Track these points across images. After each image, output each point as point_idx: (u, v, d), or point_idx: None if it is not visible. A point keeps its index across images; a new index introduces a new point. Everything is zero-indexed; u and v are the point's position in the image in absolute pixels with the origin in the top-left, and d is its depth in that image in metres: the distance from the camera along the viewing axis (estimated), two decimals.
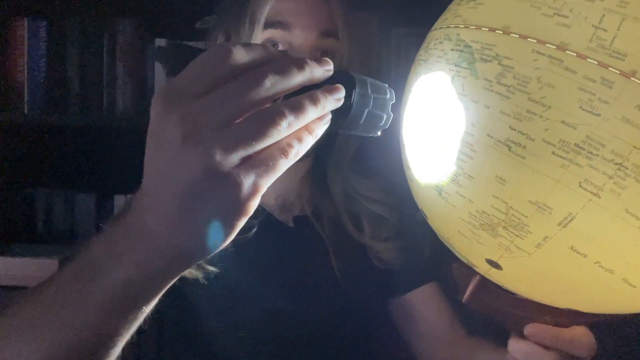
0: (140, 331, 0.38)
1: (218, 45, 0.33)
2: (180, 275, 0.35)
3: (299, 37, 0.66)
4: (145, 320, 0.37)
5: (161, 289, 0.35)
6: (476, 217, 0.38)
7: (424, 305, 0.76)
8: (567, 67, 0.32)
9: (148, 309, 0.36)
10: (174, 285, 0.73)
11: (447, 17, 0.42)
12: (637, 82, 0.30)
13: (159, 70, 1.15)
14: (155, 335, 0.95)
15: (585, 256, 0.34)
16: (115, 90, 1.16)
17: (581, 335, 0.45)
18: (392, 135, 0.47)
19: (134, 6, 1.20)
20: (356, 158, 0.77)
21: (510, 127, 0.34)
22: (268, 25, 0.66)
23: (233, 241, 0.33)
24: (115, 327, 0.35)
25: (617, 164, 0.31)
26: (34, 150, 1.28)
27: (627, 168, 0.31)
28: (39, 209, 1.24)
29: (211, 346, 0.69)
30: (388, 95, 0.36)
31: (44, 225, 1.24)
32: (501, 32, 0.35)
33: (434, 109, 0.40)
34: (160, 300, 0.36)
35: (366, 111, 0.35)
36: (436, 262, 0.76)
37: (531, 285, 0.40)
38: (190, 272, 0.66)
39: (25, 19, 1.14)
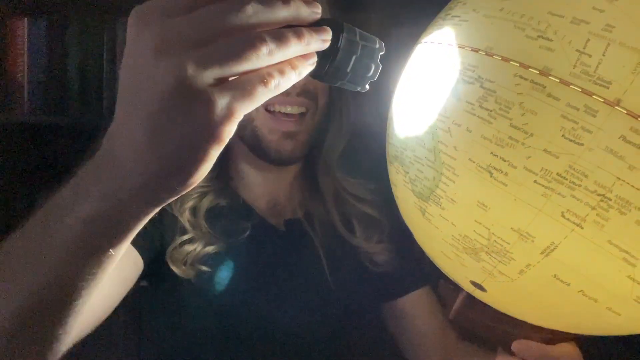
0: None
1: None
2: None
3: None
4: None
5: (129, 229, 0.33)
6: (459, 240, 0.37)
7: (416, 309, 0.75)
8: (550, 93, 0.31)
9: (116, 253, 0.34)
10: (166, 288, 0.73)
11: (432, 31, 0.40)
12: (622, 111, 0.29)
13: None
14: (147, 332, 0.95)
15: (569, 284, 0.33)
16: (115, 90, 1.15)
17: (568, 352, 0.45)
18: (382, 137, 0.46)
19: (133, 6, 1.19)
20: (346, 159, 0.76)
21: (491, 152, 0.33)
22: None
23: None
24: (79, 270, 0.33)
25: (600, 194, 0.30)
26: (34, 150, 1.28)
27: (610, 200, 0.30)
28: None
29: (202, 349, 0.70)
30: (377, 45, 0.34)
31: None
32: (484, 54, 0.34)
33: (417, 128, 0.38)
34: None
35: (354, 58, 0.33)
36: (429, 266, 0.75)
37: (516, 308, 0.40)
38: (183, 271, 0.66)
39: (25, 18, 1.14)
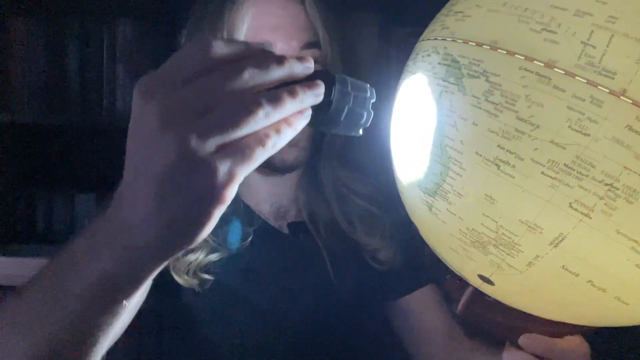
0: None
1: (198, 39, 0.32)
2: (163, 267, 0.35)
3: (281, 51, 0.65)
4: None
5: (141, 283, 0.35)
6: (466, 234, 0.37)
7: (421, 308, 0.75)
8: (556, 85, 0.31)
9: (129, 303, 0.35)
10: (171, 292, 0.73)
11: (435, 28, 0.41)
12: (627, 101, 0.30)
13: None
14: (155, 342, 0.95)
15: (577, 275, 0.34)
16: (115, 90, 1.16)
17: (576, 345, 0.45)
18: (383, 134, 0.46)
19: (134, 6, 1.20)
20: (347, 156, 0.76)
21: (498, 145, 0.33)
22: None
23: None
24: (95, 321, 0.35)
25: (607, 184, 0.30)
26: (34, 150, 1.28)
27: (617, 189, 0.30)
28: (39, 209, 1.24)
29: (208, 354, 0.69)
30: (368, 94, 0.36)
31: (44, 225, 1.24)
32: (488, 48, 0.34)
33: (423, 124, 0.39)
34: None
35: (346, 108, 0.35)
36: (432, 265, 0.75)
37: (524, 301, 0.40)
38: (186, 281, 0.66)
39: (25, 18, 1.14)
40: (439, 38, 0.39)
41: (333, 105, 0.35)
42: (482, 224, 0.36)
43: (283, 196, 0.75)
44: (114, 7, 1.19)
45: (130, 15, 1.16)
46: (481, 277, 0.40)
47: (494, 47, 0.34)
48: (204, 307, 0.69)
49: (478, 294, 0.45)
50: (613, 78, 0.30)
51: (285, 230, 0.74)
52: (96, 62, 1.16)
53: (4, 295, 1.08)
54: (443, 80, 0.37)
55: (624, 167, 0.30)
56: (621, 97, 0.30)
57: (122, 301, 0.35)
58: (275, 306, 0.69)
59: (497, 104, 0.33)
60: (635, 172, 0.30)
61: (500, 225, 0.35)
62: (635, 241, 0.31)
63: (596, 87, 0.30)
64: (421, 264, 0.77)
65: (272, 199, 0.75)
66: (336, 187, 0.75)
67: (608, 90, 0.30)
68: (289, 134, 0.32)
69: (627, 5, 0.30)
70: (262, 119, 0.30)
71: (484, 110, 0.34)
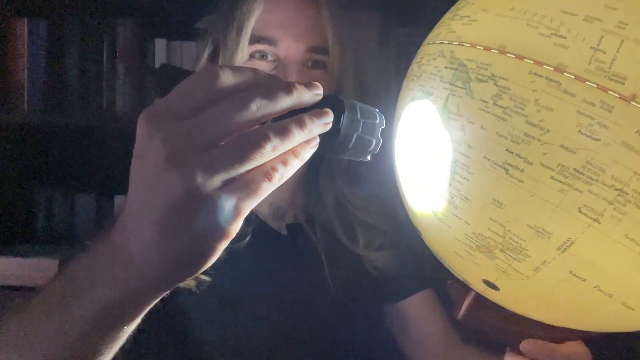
0: (135, 337, 0.38)
1: (205, 68, 0.32)
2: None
3: (285, 50, 0.65)
4: (138, 328, 0.37)
5: (142, 310, 0.35)
6: (472, 238, 0.37)
7: (418, 313, 0.75)
8: (566, 89, 0.31)
9: (130, 329, 0.36)
10: (166, 300, 0.72)
11: (440, 31, 0.41)
12: (638, 106, 0.30)
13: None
14: (150, 342, 0.93)
15: (585, 280, 0.34)
16: (115, 90, 1.16)
17: (577, 350, 0.45)
18: (385, 144, 0.46)
19: (134, 6, 1.20)
20: (348, 167, 0.76)
21: (507, 149, 0.33)
22: (254, 40, 0.65)
23: (226, 249, 0.33)
24: (96, 346, 0.35)
25: (617, 189, 0.30)
26: (34, 150, 1.28)
27: (627, 194, 0.30)
28: (39, 209, 1.24)
29: (204, 354, 0.68)
30: (377, 120, 0.36)
31: (44, 225, 1.24)
32: (497, 52, 0.34)
33: (429, 127, 0.39)
34: (154, 306, 0.36)
35: (355, 135, 0.35)
36: (431, 269, 0.75)
37: (529, 306, 0.40)
38: (184, 282, 0.65)
39: (25, 19, 1.14)
40: (445, 42, 0.39)
41: (341, 133, 0.34)
42: (489, 228, 0.35)
43: (282, 197, 0.75)
44: (114, 7, 1.18)
45: (130, 15, 1.15)
46: (486, 282, 0.39)
47: (502, 51, 0.34)
48: (201, 307, 0.68)
49: (479, 299, 0.45)
50: (623, 83, 0.30)
51: (284, 232, 0.74)
52: (96, 62, 1.15)
53: (4, 296, 1.06)
54: (450, 83, 0.37)
55: (634, 172, 0.30)
56: (631, 102, 0.30)
57: (122, 328, 0.35)
58: (271, 307, 0.68)
59: (506, 108, 0.33)
60: None
61: (508, 230, 0.35)
62: None
63: (606, 92, 0.30)
64: (420, 268, 0.77)
65: (271, 200, 0.74)
66: (338, 201, 0.75)
67: (618, 95, 0.30)
68: (296, 165, 0.32)
69: (637, 12, 0.31)
70: (269, 152, 0.30)
71: (492, 114, 0.34)
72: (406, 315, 0.75)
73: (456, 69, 0.37)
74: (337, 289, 0.71)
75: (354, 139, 0.35)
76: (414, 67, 0.43)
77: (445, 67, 0.38)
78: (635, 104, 0.30)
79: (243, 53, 0.65)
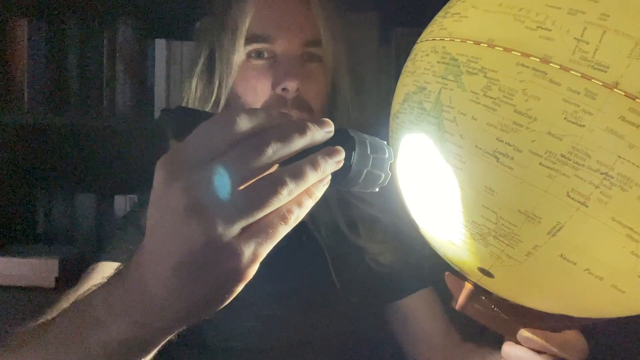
0: None
1: (222, 114, 0.33)
2: None
3: (282, 47, 0.66)
4: None
5: (158, 345, 0.36)
6: (467, 226, 0.38)
7: (419, 310, 0.76)
8: (551, 79, 0.33)
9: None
10: None
11: (433, 29, 0.42)
12: (620, 93, 0.31)
13: (159, 70, 1.16)
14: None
15: (575, 264, 0.35)
16: (115, 90, 1.17)
17: (573, 339, 0.46)
18: (384, 138, 0.47)
19: (134, 6, 1.21)
20: None
21: (497, 138, 0.34)
22: (250, 39, 0.66)
23: None
24: None
25: (602, 173, 0.32)
26: (34, 150, 1.28)
27: (612, 177, 0.31)
28: (39, 209, 1.24)
29: (208, 356, 0.69)
30: (387, 155, 0.37)
31: (44, 225, 1.25)
32: (486, 45, 0.36)
33: (422, 121, 0.40)
34: None
35: (365, 171, 0.36)
36: (432, 267, 0.76)
37: (523, 293, 0.41)
38: None
39: (25, 19, 1.15)
40: (437, 38, 0.41)
41: (352, 170, 0.35)
42: (482, 215, 0.37)
43: None
44: (114, 7, 1.20)
45: (130, 15, 1.17)
46: (481, 270, 0.41)
47: (491, 45, 0.36)
48: None
49: (476, 289, 0.46)
50: (606, 71, 0.31)
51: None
52: (96, 62, 1.16)
53: (4, 296, 1.06)
54: (442, 78, 0.38)
55: (618, 156, 0.31)
56: (614, 89, 0.31)
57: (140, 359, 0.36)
58: (275, 305, 0.69)
59: (496, 99, 0.35)
60: (628, 161, 0.31)
61: (500, 217, 0.36)
62: (630, 228, 0.32)
63: (590, 80, 0.32)
64: (421, 267, 0.78)
65: None
66: (339, 195, 0.76)
67: (601, 83, 0.31)
68: (309, 205, 0.33)
69: (618, 4, 0.32)
70: (285, 197, 0.31)
71: (482, 105, 0.35)
72: (407, 313, 0.76)
73: (448, 64, 0.38)
74: (341, 286, 0.72)
75: (364, 175, 0.36)
76: (408, 64, 0.45)
77: (438, 62, 0.39)
78: (618, 91, 0.31)
79: (240, 53, 0.67)
